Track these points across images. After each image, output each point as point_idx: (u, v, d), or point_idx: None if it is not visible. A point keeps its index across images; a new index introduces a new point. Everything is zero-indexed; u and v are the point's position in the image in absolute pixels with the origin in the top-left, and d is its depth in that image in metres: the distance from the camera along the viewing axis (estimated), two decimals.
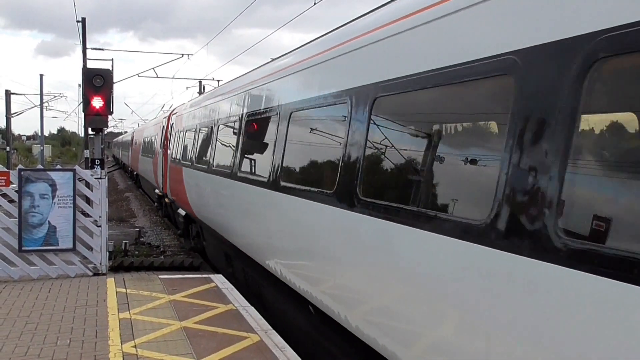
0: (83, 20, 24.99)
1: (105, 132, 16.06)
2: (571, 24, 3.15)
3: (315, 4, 15.28)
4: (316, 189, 6.24)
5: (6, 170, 10.40)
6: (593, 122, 3.17)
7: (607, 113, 3.21)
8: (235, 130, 10.19)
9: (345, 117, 5.77)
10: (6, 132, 45.94)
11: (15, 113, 48.47)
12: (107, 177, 10.96)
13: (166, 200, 19.23)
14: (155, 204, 24.85)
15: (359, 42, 5.73)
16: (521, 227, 3.27)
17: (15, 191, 9.99)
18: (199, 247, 15.18)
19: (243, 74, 11.62)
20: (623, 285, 2.65)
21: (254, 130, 9.26)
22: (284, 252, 7.39)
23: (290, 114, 7.34)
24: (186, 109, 17.11)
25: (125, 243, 15.27)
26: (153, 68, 30.57)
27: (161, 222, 22.87)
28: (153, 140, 25.08)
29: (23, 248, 9.84)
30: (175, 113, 19.32)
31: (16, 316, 7.67)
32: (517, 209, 3.33)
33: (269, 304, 8.74)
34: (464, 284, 3.75)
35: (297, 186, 6.79)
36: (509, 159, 3.44)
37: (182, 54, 30.40)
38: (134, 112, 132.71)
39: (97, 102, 12.36)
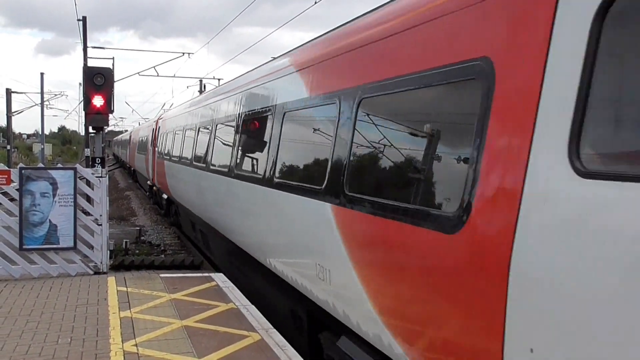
0: (84, 19, 25.00)
1: (106, 131, 16.13)
2: None
3: (315, 2, 15.28)
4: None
5: (7, 168, 10.41)
6: None
7: None
8: (193, 134, 14.50)
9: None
10: (7, 131, 45.96)
11: (16, 112, 48.49)
12: (107, 176, 10.96)
13: (154, 188, 24.78)
14: (147, 193, 30.15)
15: None
16: (271, 176, 7.59)
17: (16, 190, 9.99)
18: (176, 222, 19.85)
19: (196, 97, 18.98)
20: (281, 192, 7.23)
21: (202, 134, 13.51)
22: (210, 209, 12.00)
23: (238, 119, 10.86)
24: (168, 116, 22.16)
25: (126, 242, 15.28)
26: (154, 67, 30.57)
27: (162, 220, 22.90)
28: (146, 140, 29.54)
29: (24, 247, 9.84)
30: (161, 118, 24.36)
31: (17, 315, 7.67)
32: (279, 172, 7.45)
33: (204, 235, 13.96)
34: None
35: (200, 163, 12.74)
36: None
37: (183, 53, 30.40)
38: (135, 111, 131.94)
39: (97, 101, 12.37)
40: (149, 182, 26.96)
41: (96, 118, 12.67)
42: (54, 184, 9.95)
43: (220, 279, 9.74)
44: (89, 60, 25.37)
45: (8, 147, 44.29)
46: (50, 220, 9.93)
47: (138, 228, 18.80)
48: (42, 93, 43.87)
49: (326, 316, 5.90)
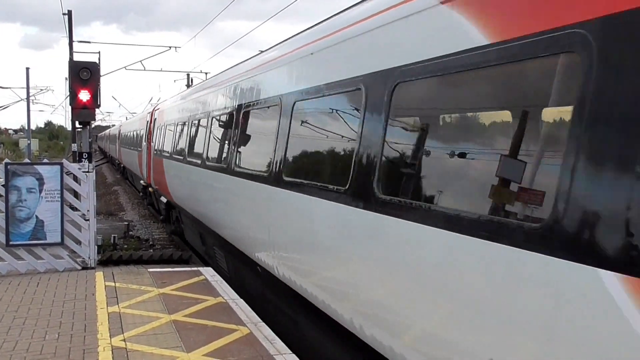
0: (69, 13, 24.76)
1: (93, 126, 16.05)
2: None
3: None
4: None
5: None
6: None
7: None
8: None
9: None
10: None
11: (2, 107, 48.05)
12: (95, 171, 10.90)
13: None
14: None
15: None
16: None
17: (2, 185, 9.90)
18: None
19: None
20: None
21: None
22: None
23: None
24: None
25: (114, 237, 15.21)
26: (140, 61, 30.36)
27: (150, 215, 22.81)
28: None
29: (10, 242, 9.77)
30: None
31: (4, 311, 7.62)
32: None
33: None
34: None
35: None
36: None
37: (170, 47, 30.18)
38: (122, 105, 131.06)
39: (84, 95, 12.29)
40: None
41: (83, 113, 12.58)
42: (40, 180, 9.87)
43: (208, 273, 9.73)
44: (74, 54, 25.14)
45: None
46: (36, 216, 9.86)
47: (126, 223, 18.72)
48: (27, 88, 43.46)
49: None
